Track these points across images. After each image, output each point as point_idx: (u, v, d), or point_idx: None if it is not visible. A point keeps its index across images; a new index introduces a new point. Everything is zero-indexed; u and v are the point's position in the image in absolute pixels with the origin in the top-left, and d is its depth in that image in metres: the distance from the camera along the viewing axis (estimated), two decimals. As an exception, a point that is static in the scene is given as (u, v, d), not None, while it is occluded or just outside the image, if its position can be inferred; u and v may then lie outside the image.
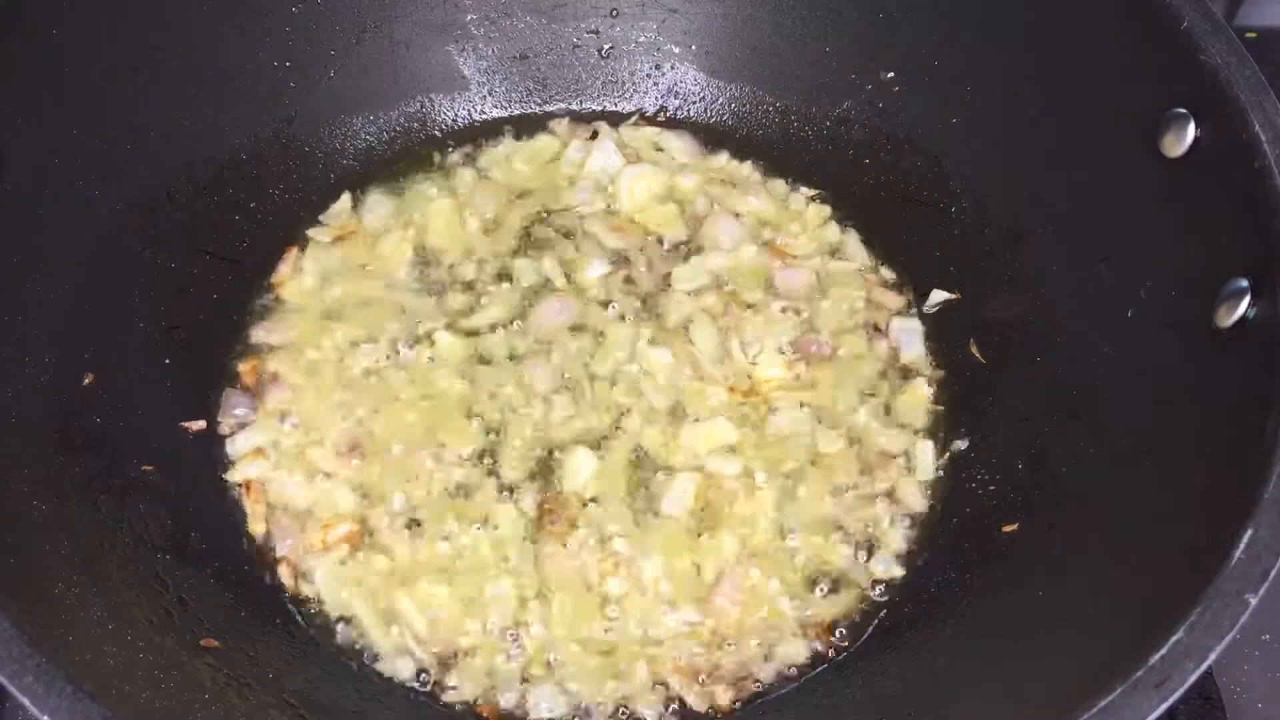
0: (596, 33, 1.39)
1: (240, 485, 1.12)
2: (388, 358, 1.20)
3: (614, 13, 1.38)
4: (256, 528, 1.10)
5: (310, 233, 1.28)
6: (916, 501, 1.14)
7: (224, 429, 1.15)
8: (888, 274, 1.29)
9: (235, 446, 1.14)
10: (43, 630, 0.77)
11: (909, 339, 1.24)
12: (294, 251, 1.27)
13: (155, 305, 1.14)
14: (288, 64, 1.26)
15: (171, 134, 1.17)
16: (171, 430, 1.12)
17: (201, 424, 1.14)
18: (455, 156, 1.36)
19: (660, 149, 1.38)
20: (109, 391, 1.05)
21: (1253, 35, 1.42)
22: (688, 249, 1.29)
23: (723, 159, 1.37)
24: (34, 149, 1.01)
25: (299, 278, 1.25)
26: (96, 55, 1.07)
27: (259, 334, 1.21)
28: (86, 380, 1.04)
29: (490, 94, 1.39)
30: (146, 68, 1.13)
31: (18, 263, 0.99)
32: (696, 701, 1.02)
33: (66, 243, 1.05)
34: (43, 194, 1.02)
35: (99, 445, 1.02)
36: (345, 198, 1.31)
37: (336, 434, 1.15)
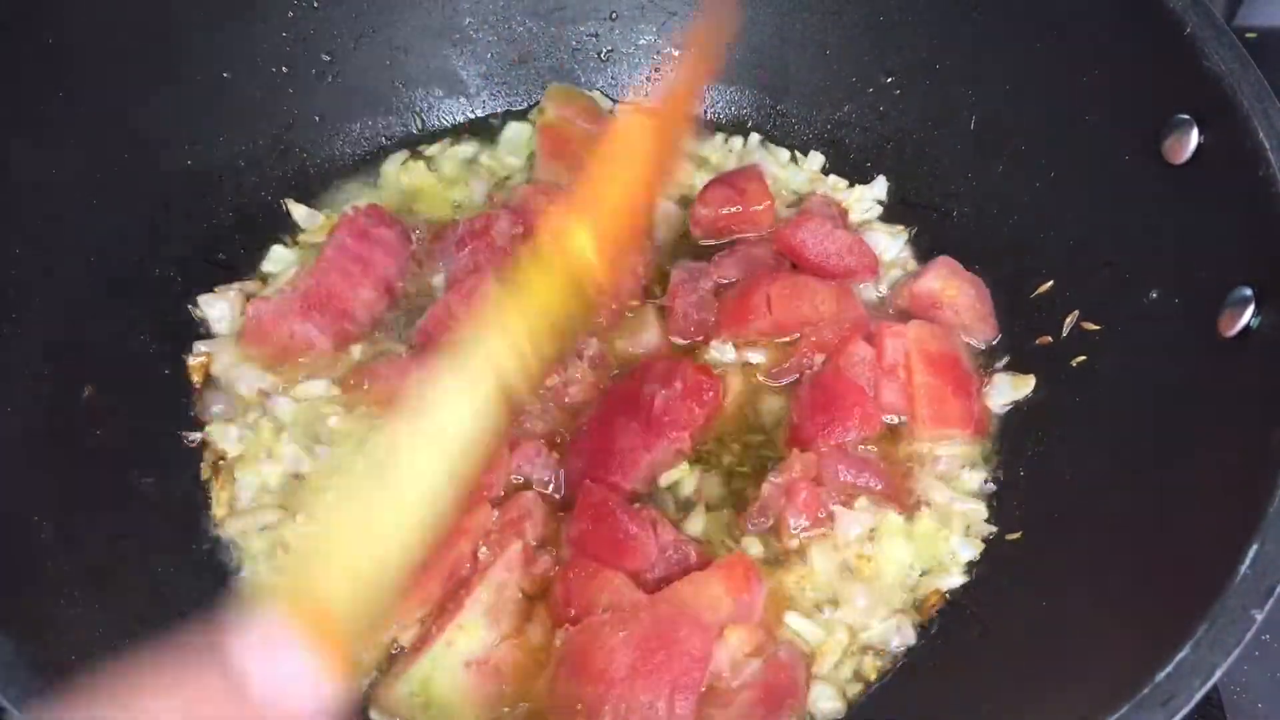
0: (596, 36, 1.38)
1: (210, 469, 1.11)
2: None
3: (613, 16, 1.37)
4: (220, 512, 1.08)
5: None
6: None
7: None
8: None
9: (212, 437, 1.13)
10: (46, 650, 0.77)
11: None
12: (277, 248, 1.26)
13: (155, 315, 1.13)
14: (285, 69, 1.25)
15: (169, 143, 1.16)
16: (171, 441, 1.11)
17: (200, 435, 1.13)
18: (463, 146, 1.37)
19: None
20: (109, 403, 1.04)
21: (1253, 36, 1.41)
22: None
23: (719, 138, 1.37)
24: (34, 163, 1.00)
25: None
26: (95, 67, 1.06)
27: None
28: (87, 392, 1.03)
29: (490, 97, 1.38)
30: (143, 77, 1.12)
31: (18, 276, 0.99)
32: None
33: (67, 255, 1.04)
34: (42, 207, 1.02)
35: (101, 458, 1.02)
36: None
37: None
